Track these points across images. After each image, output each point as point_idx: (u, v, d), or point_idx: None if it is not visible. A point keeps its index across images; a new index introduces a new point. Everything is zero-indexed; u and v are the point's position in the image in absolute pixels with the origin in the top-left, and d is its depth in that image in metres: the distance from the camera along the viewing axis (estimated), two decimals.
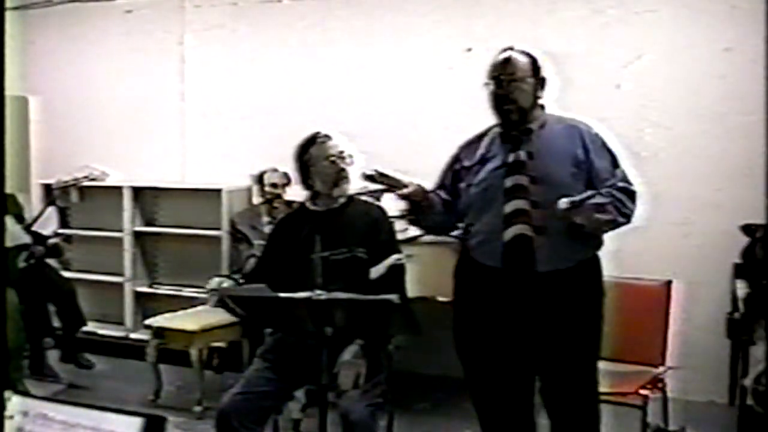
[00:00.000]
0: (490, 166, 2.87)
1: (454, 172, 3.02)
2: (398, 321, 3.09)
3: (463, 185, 2.95)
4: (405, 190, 2.90)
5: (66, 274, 5.69)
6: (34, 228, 5.14)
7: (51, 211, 5.45)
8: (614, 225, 2.76)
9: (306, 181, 3.32)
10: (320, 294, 2.60)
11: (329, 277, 2.76)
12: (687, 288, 3.79)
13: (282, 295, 2.71)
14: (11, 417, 1.62)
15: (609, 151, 2.85)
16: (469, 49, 5.10)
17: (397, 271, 3.19)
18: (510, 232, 2.77)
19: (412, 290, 3.29)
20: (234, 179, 5.58)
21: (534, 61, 2.90)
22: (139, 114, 6.07)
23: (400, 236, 3.55)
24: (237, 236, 5.24)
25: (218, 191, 5.54)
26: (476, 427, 4.38)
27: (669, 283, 3.61)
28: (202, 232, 5.65)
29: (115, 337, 5.86)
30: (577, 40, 4.82)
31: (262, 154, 5.37)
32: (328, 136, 3.28)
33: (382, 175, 2.92)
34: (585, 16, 4.83)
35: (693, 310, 4.19)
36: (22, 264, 4.94)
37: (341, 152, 3.25)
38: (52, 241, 5.25)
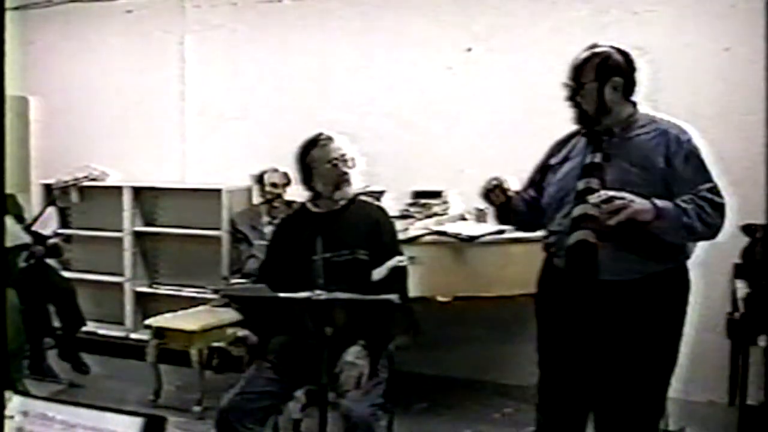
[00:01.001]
0: (569, 165, 2.82)
1: (542, 169, 2.96)
2: (398, 321, 3.10)
3: (545, 183, 2.91)
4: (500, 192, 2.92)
5: (66, 274, 5.68)
6: (34, 228, 5.13)
7: (51, 211, 5.45)
8: (693, 234, 2.61)
9: (308, 183, 3.31)
10: (320, 294, 2.60)
11: (330, 279, 2.76)
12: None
13: (282, 295, 2.71)
14: (11, 417, 1.62)
15: (699, 160, 2.68)
16: (469, 49, 5.11)
17: (399, 273, 3.18)
18: (574, 237, 2.70)
19: (412, 290, 3.28)
20: (234, 179, 5.59)
21: (602, 64, 2.77)
22: (139, 114, 6.08)
23: (400, 236, 3.55)
24: (237, 236, 5.24)
25: (218, 191, 5.54)
26: (476, 426, 4.39)
27: None
28: (202, 232, 5.65)
29: (115, 337, 5.86)
30: (577, 40, 4.81)
31: (262, 154, 5.37)
32: (330, 138, 3.27)
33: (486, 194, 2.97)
34: (585, 16, 4.83)
35: (693, 310, 4.18)
36: (22, 264, 4.94)
37: (343, 155, 3.24)
38: (52, 241, 5.25)
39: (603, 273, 2.66)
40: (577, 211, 2.70)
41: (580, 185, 2.72)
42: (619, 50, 2.81)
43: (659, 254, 2.68)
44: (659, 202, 2.57)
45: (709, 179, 2.66)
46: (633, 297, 2.66)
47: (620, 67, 2.78)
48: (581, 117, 2.81)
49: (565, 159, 2.86)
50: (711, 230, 2.62)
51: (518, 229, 3.35)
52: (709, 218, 2.60)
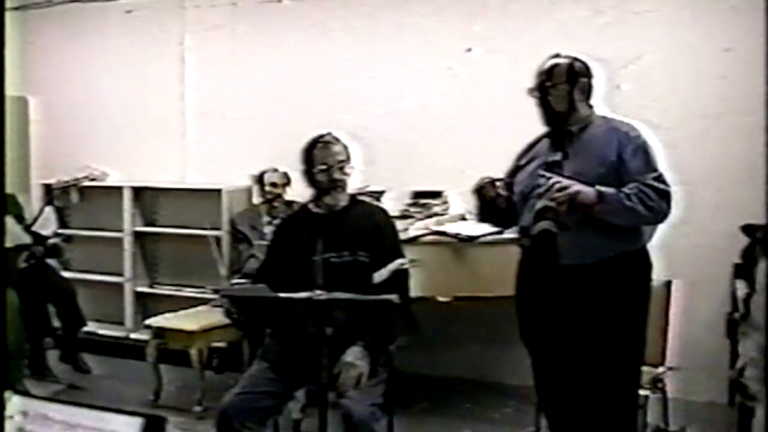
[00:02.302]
0: (534, 164, 3.07)
1: (513, 170, 3.19)
2: (398, 321, 3.10)
3: (515, 182, 3.14)
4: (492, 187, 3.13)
5: (66, 274, 5.69)
6: (33, 228, 5.13)
7: (49, 211, 5.45)
8: (636, 217, 2.85)
9: (309, 180, 3.31)
10: (320, 294, 2.60)
11: (331, 280, 2.75)
12: (687, 288, 3.79)
13: (282, 295, 2.72)
14: (11, 417, 1.62)
15: (646, 153, 2.94)
16: (469, 49, 5.11)
17: (401, 275, 3.18)
18: (537, 227, 2.98)
19: (412, 290, 3.28)
20: (234, 179, 5.59)
21: (571, 68, 3.05)
22: (139, 114, 6.07)
23: (401, 236, 3.54)
24: (237, 236, 5.24)
25: (218, 191, 5.54)
26: (476, 426, 4.39)
27: (669, 283, 3.62)
28: (202, 232, 5.64)
29: (115, 337, 5.86)
30: (577, 40, 4.81)
31: (262, 154, 5.37)
32: (330, 142, 3.24)
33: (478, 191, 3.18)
34: (585, 16, 4.83)
35: (693, 310, 4.18)
36: (22, 264, 4.94)
37: (340, 161, 3.22)
38: (51, 241, 5.25)
39: (563, 259, 2.92)
40: (539, 204, 2.96)
41: (541, 181, 2.95)
42: (579, 59, 3.10)
43: (614, 239, 2.92)
44: (602, 188, 2.84)
45: (655, 169, 2.93)
46: (593, 279, 2.91)
47: (584, 72, 3.07)
48: (551, 117, 3.05)
49: (531, 159, 3.11)
50: (655, 214, 2.88)
51: (496, 225, 3.58)
52: (653, 203, 2.86)
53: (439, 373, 5.07)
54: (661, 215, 2.90)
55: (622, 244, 2.94)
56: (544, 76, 3.05)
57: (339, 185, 3.24)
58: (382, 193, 4.85)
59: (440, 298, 4.26)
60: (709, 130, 4.58)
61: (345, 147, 3.26)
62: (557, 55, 3.10)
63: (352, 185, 3.40)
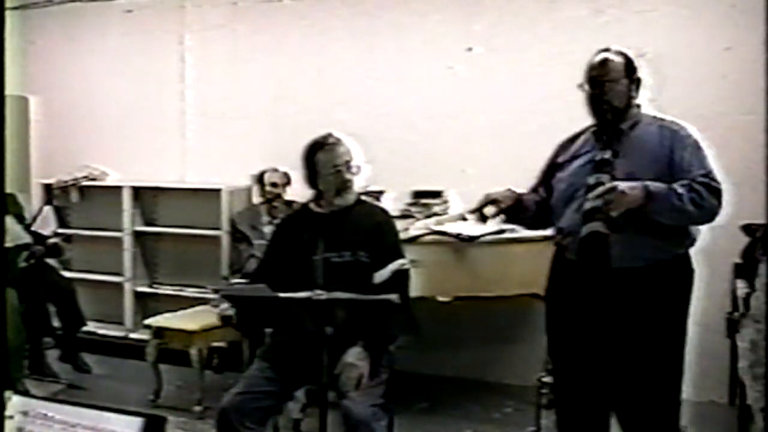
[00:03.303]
0: (578, 162, 2.94)
1: (549, 168, 3.08)
2: (398, 321, 3.09)
3: (554, 180, 3.01)
4: (494, 206, 3.00)
5: (66, 274, 5.68)
6: (33, 228, 5.14)
7: (48, 210, 5.46)
8: (686, 216, 2.74)
9: (312, 183, 3.30)
10: (320, 294, 2.60)
11: (331, 280, 2.75)
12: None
13: (282, 294, 2.71)
14: (11, 417, 1.62)
15: (698, 150, 2.84)
16: (469, 49, 5.11)
17: (402, 276, 3.17)
18: (586, 229, 2.82)
19: (412, 290, 3.28)
20: (234, 179, 5.59)
21: (629, 62, 2.93)
22: (139, 114, 6.07)
23: (401, 236, 3.54)
24: (237, 236, 5.24)
25: (218, 191, 5.54)
26: (476, 426, 4.39)
27: None
28: (202, 232, 5.65)
29: (115, 337, 5.86)
30: (577, 40, 4.82)
31: (262, 154, 5.37)
32: (337, 142, 3.23)
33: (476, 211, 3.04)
34: (585, 16, 4.83)
35: (693, 309, 4.18)
36: (22, 264, 4.94)
37: (348, 162, 3.22)
38: (52, 240, 5.25)
39: (615, 261, 2.79)
40: (588, 204, 2.81)
41: (591, 180, 2.83)
42: (630, 55, 2.97)
43: (667, 241, 2.82)
44: (651, 185, 2.72)
45: (706, 166, 2.81)
46: (644, 283, 2.80)
47: (636, 68, 2.95)
48: (605, 113, 2.90)
49: (574, 156, 2.97)
50: (705, 213, 2.75)
51: (527, 227, 3.44)
52: (704, 202, 2.73)
53: (439, 373, 5.07)
54: (712, 214, 2.76)
55: (675, 247, 2.85)
56: (602, 71, 2.91)
57: (348, 186, 3.24)
58: (382, 193, 4.85)
59: (440, 298, 4.25)
60: (709, 130, 4.55)
61: (348, 147, 3.26)
62: (607, 50, 2.96)
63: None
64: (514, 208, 3.02)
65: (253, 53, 5.74)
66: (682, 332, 2.88)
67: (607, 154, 2.86)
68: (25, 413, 1.61)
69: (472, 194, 4.81)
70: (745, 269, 4.04)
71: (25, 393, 1.76)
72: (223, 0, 5.82)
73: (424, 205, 4.89)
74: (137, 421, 1.51)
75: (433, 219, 4.70)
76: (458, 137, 5.13)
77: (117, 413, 1.54)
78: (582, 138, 3.01)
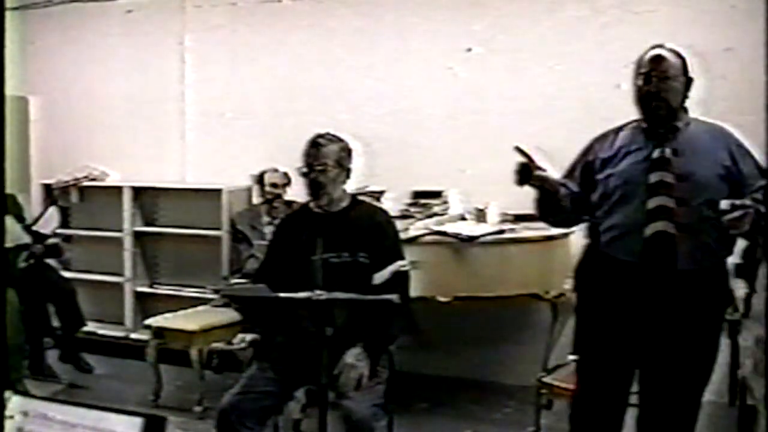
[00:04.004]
0: (631, 159, 2.83)
1: (587, 163, 2.95)
2: (398, 321, 3.10)
3: (600, 176, 2.88)
4: (542, 173, 2.84)
5: (66, 274, 5.68)
6: (34, 228, 5.13)
7: (52, 210, 5.45)
8: (756, 225, 2.65)
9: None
10: (320, 294, 2.60)
11: (330, 280, 2.75)
12: None
13: (282, 295, 2.71)
14: (11, 417, 1.62)
15: (753, 157, 2.82)
16: (469, 49, 5.11)
17: (402, 277, 3.16)
18: (651, 228, 2.74)
19: (412, 290, 3.28)
20: (234, 179, 5.59)
21: (684, 61, 2.87)
22: (139, 114, 6.07)
23: (401, 236, 3.54)
24: (237, 236, 5.24)
25: (218, 191, 5.54)
26: (476, 426, 4.39)
27: None
28: (202, 232, 5.65)
29: (115, 337, 5.85)
30: (577, 40, 4.82)
31: (262, 154, 5.37)
32: (320, 143, 3.19)
33: (522, 152, 2.84)
34: (585, 16, 4.83)
35: None
36: (22, 264, 4.94)
37: (323, 163, 3.15)
38: (52, 241, 5.25)
39: (681, 262, 2.73)
40: (653, 203, 2.74)
41: (653, 178, 2.76)
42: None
43: (723, 244, 2.82)
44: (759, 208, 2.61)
45: (764, 173, 2.77)
46: (705, 283, 2.78)
47: (688, 68, 2.90)
48: (662, 110, 2.82)
49: (622, 153, 2.86)
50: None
51: (558, 225, 3.38)
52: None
53: (439, 373, 5.07)
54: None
55: (727, 250, 2.86)
56: (659, 66, 2.82)
57: (322, 187, 3.18)
58: (382, 193, 4.85)
59: (440, 298, 4.25)
60: None
61: (342, 147, 3.23)
62: (661, 46, 2.87)
63: (352, 185, 3.39)
64: (554, 198, 2.88)
65: (253, 53, 5.74)
66: (719, 334, 2.91)
67: (668, 152, 2.79)
68: (25, 413, 1.61)
69: (472, 194, 4.86)
70: (745, 269, 4.03)
71: (25, 393, 1.76)
72: (223, 0, 5.82)
73: (424, 205, 4.89)
74: (137, 421, 1.51)
75: (433, 219, 4.71)
76: (458, 137, 5.13)
77: (117, 413, 1.54)
78: (625, 133, 2.90)
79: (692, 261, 2.73)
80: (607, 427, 2.93)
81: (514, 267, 4.33)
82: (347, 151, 3.24)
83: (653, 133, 2.84)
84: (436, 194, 4.94)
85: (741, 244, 4.09)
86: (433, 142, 5.17)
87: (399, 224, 3.68)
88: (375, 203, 4.03)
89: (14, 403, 1.62)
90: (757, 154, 2.83)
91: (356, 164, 3.31)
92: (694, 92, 4.61)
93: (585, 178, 2.94)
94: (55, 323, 5.39)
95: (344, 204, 3.27)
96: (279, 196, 5.12)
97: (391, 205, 4.65)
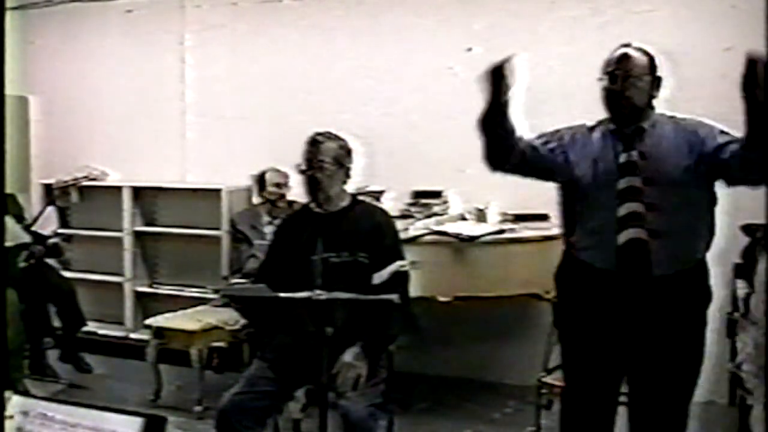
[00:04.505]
0: (600, 165, 2.76)
1: (552, 145, 2.88)
2: (397, 321, 3.10)
3: (576, 175, 2.79)
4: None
5: (66, 274, 5.68)
6: (34, 228, 5.13)
7: (51, 211, 5.45)
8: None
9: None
10: (320, 294, 2.60)
11: (330, 280, 2.75)
12: None
13: (282, 294, 2.71)
14: (11, 417, 1.62)
15: (728, 134, 2.70)
16: (469, 49, 5.11)
17: (401, 277, 3.16)
18: (624, 236, 2.68)
19: (412, 290, 3.28)
20: (234, 179, 5.59)
21: (651, 59, 2.82)
22: (139, 114, 6.07)
23: (401, 236, 3.54)
24: (237, 236, 5.24)
25: (218, 191, 5.54)
26: (476, 426, 4.39)
27: None
28: (202, 232, 5.65)
29: (115, 337, 5.86)
30: (577, 40, 4.82)
31: (262, 154, 5.37)
32: (318, 141, 3.20)
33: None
34: (585, 15, 4.83)
35: None
36: (22, 264, 4.94)
37: (321, 161, 3.17)
38: (51, 241, 5.25)
39: (656, 268, 2.69)
40: (623, 210, 2.69)
41: (622, 184, 2.71)
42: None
43: (697, 245, 2.78)
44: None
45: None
46: (681, 286, 2.74)
47: (656, 66, 2.84)
48: (625, 110, 2.77)
49: (592, 156, 2.80)
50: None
51: (500, 167, 2.98)
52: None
53: (439, 373, 5.07)
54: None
55: (702, 250, 2.79)
56: (624, 66, 2.77)
57: (319, 185, 3.18)
58: (382, 193, 4.85)
59: (440, 298, 4.25)
60: None
61: (340, 146, 3.23)
62: (629, 45, 2.83)
63: (352, 185, 3.39)
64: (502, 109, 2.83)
65: (253, 53, 5.74)
66: (704, 334, 2.86)
67: (635, 156, 2.72)
68: (25, 413, 1.61)
69: (472, 194, 4.86)
70: (745, 269, 4.04)
71: (25, 393, 1.76)
72: (223, 0, 5.83)
73: (424, 205, 4.89)
74: (137, 421, 1.51)
75: (433, 219, 4.71)
76: (458, 137, 5.10)
77: (117, 413, 1.54)
78: (596, 134, 2.84)
79: (667, 266, 2.69)
80: (596, 428, 2.89)
81: (514, 267, 4.33)
82: (346, 150, 3.25)
83: (621, 135, 2.78)
84: (436, 194, 4.94)
85: (741, 244, 4.12)
86: (433, 142, 5.16)
87: (399, 224, 3.67)
88: (375, 203, 4.03)
89: (14, 403, 1.63)
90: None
91: (356, 164, 3.31)
92: (695, 92, 4.63)
93: (541, 150, 2.86)
94: (56, 323, 5.39)
95: (344, 204, 3.27)
96: (283, 196, 5.11)
97: (391, 205, 4.65)
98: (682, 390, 2.83)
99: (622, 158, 2.74)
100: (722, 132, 2.73)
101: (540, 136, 2.91)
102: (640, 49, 2.83)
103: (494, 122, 2.83)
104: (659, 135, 2.77)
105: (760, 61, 2.36)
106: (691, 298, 2.79)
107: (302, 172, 3.21)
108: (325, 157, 3.17)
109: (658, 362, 2.76)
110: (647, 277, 2.69)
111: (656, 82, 2.83)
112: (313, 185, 3.19)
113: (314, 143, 3.20)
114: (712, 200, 2.79)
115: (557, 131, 2.93)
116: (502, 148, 2.85)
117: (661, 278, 2.69)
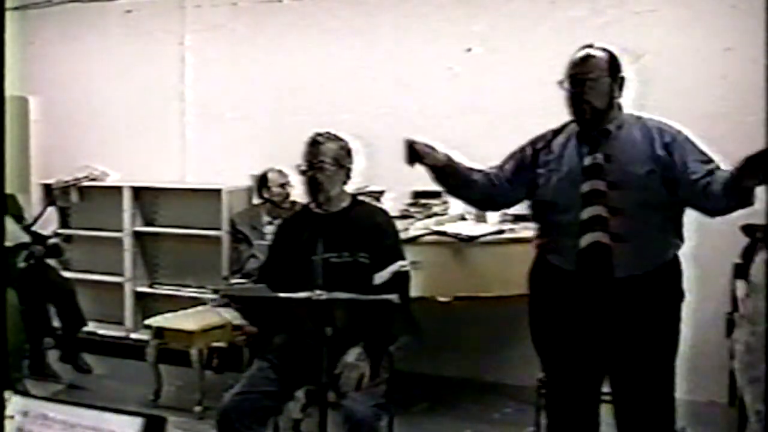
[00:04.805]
0: (565, 168, 2.78)
1: (522, 162, 2.92)
2: (398, 321, 3.10)
3: (540, 182, 2.83)
4: (426, 149, 2.88)
5: (66, 274, 5.68)
6: (34, 228, 5.13)
7: (51, 211, 5.45)
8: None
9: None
10: (320, 294, 2.60)
11: (330, 281, 2.75)
12: (687, 288, 3.78)
13: (282, 295, 2.72)
14: (11, 417, 1.62)
15: (696, 147, 2.72)
16: (469, 49, 5.11)
17: (402, 278, 3.17)
18: (586, 239, 2.70)
19: (412, 290, 3.28)
20: (234, 179, 5.59)
21: (612, 59, 2.78)
22: (139, 114, 6.07)
23: (401, 236, 3.54)
24: (237, 236, 5.24)
25: (218, 191, 5.54)
26: (476, 426, 4.39)
27: None
28: (202, 232, 5.65)
29: (115, 337, 5.86)
30: (576, 40, 4.80)
31: (262, 154, 5.37)
32: (318, 141, 3.19)
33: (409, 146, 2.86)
34: (585, 15, 4.83)
35: (693, 310, 4.18)
36: (22, 264, 4.94)
37: (321, 161, 3.16)
38: (52, 241, 5.25)
39: (618, 271, 2.69)
40: (586, 213, 2.70)
41: (585, 187, 2.72)
42: (614, 52, 2.84)
43: (663, 247, 2.76)
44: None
45: (712, 159, 2.70)
46: (645, 288, 2.72)
47: (620, 66, 2.81)
48: (585, 114, 2.75)
49: (559, 159, 2.82)
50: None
51: (471, 203, 3.26)
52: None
53: (439, 373, 5.07)
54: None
55: (671, 251, 2.78)
56: (583, 68, 2.75)
57: (319, 185, 3.18)
58: (382, 193, 4.85)
59: (440, 298, 4.25)
60: (709, 130, 4.55)
61: (341, 146, 3.23)
62: (590, 46, 2.81)
63: (352, 185, 3.39)
64: (443, 172, 2.87)
65: (253, 53, 5.74)
66: (677, 332, 2.83)
67: (599, 159, 2.72)
68: (25, 413, 1.61)
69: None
70: (745, 269, 4.03)
71: (25, 393, 1.76)
72: (223, 0, 5.83)
73: (424, 205, 4.88)
74: (137, 421, 1.51)
75: (433, 219, 4.71)
76: (458, 137, 5.11)
77: (117, 413, 1.54)
78: (562, 137, 2.85)
79: (629, 268, 2.69)
80: (580, 425, 2.92)
81: (514, 267, 4.30)
82: (346, 151, 3.25)
83: (585, 137, 2.78)
84: (436, 194, 4.92)
85: (740, 244, 4.11)
86: (433, 142, 5.15)
87: (399, 224, 3.68)
88: (375, 203, 4.03)
89: (14, 403, 1.63)
90: (704, 147, 2.74)
91: (356, 164, 3.31)
92: (695, 92, 4.63)
93: (514, 173, 2.91)
94: (56, 323, 5.39)
95: (344, 204, 3.27)
96: (287, 196, 5.09)
97: (391, 205, 4.65)
98: (661, 383, 2.82)
99: (587, 161, 2.75)
100: (689, 143, 2.73)
101: (500, 166, 2.98)
102: (602, 49, 2.81)
103: (448, 184, 2.97)
104: (625, 137, 2.76)
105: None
106: (660, 297, 2.77)
107: (302, 172, 3.21)
108: (325, 158, 3.17)
109: (632, 360, 2.77)
110: (609, 279, 2.70)
111: (619, 83, 2.80)
112: (313, 186, 3.19)
113: (314, 144, 3.20)
114: (680, 202, 2.76)
115: (520, 149, 2.98)
116: (480, 198, 3.05)
117: (626, 279, 2.70)
